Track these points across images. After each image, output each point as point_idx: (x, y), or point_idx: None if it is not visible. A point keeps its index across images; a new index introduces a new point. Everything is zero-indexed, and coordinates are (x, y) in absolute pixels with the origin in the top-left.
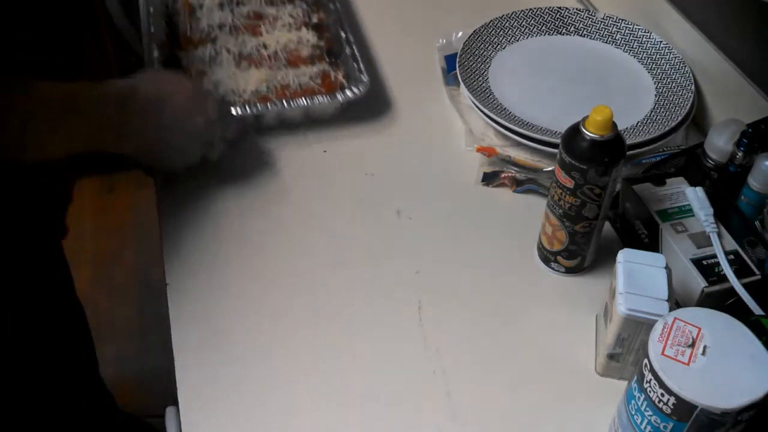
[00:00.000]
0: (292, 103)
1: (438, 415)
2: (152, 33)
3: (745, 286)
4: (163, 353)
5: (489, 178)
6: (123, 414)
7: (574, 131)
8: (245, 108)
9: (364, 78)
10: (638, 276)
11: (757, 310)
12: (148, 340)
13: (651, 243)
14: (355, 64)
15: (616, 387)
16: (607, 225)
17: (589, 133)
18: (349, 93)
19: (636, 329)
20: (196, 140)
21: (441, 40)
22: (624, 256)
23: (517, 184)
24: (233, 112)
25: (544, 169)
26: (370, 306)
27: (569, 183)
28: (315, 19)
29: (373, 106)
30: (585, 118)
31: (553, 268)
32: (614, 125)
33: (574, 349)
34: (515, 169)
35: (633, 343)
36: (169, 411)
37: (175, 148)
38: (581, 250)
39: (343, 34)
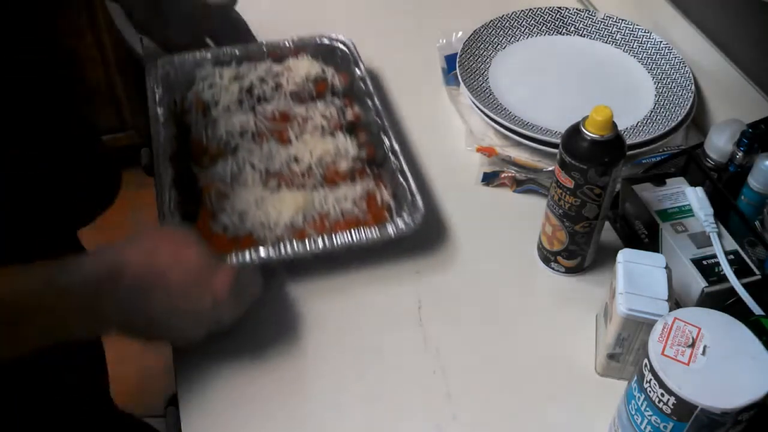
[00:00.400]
0: (335, 239)
1: (438, 415)
2: (161, 143)
3: (745, 286)
4: (163, 353)
5: (489, 178)
6: (122, 414)
7: (574, 131)
8: (278, 248)
9: (419, 201)
10: (638, 276)
11: (757, 310)
12: None
13: (651, 243)
14: (402, 180)
15: (616, 387)
16: (607, 225)
17: (589, 133)
18: (401, 224)
19: (636, 329)
20: (200, 322)
21: (441, 40)
22: (624, 256)
23: (517, 184)
24: (262, 253)
25: (544, 169)
26: (369, 305)
27: (569, 183)
28: (350, 116)
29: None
30: (585, 118)
31: (553, 268)
32: (614, 125)
33: (574, 349)
34: (515, 169)
35: (633, 343)
36: (169, 411)
37: (171, 332)
38: (581, 250)
39: (386, 141)
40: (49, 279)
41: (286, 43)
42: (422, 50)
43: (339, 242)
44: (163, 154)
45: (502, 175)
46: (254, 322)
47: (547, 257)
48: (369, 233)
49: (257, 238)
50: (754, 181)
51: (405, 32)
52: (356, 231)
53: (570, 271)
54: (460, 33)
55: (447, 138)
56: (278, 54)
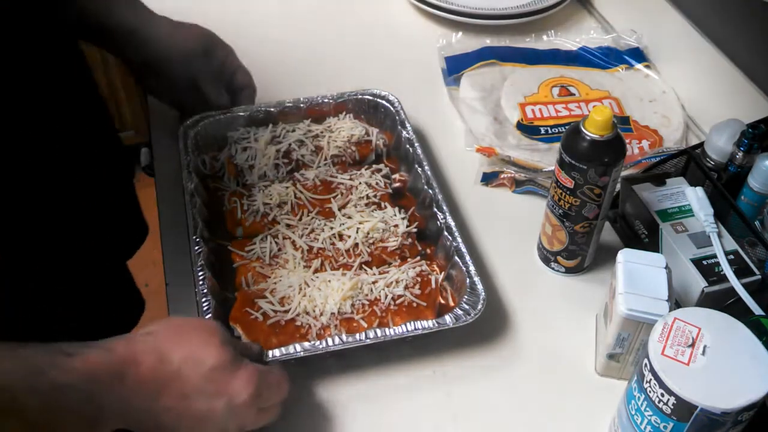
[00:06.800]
0: (388, 332)
1: (438, 415)
2: (192, 214)
3: (745, 286)
4: None
5: (489, 178)
6: None
7: (574, 131)
8: (325, 341)
9: (479, 287)
10: (638, 276)
11: (757, 310)
12: None
13: (651, 243)
14: (458, 259)
15: (616, 387)
16: (607, 225)
17: (589, 133)
18: (461, 312)
19: (636, 329)
20: (215, 428)
21: (441, 40)
22: (624, 256)
23: (517, 185)
24: (309, 344)
25: (544, 169)
26: None
27: (569, 183)
28: (396, 182)
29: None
30: (585, 118)
31: (553, 268)
32: (614, 125)
33: (574, 349)
34: (515, 169)
35: (633, 343)
36: None
37: None
38: (581, 250)
39: (440, 215)
40: (37, 373)
41: (326, 100)
42: (422, 50)
43: (393, 333)
44: (194, 227)
45: (502, 176)
46: None
47: (547, 257)
48: (426, 324)
49: (301, 326)
50: (754, 181)
51: (406, 33)
52: (412, 323)
53: (570, 271)
54: (460, 34)
55: (447, 138)
56: (317, 112)
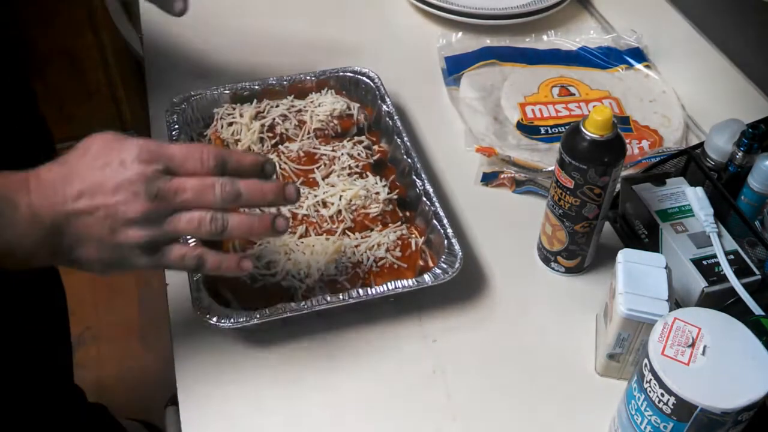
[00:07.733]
0: (371, 291)
1: (438, 415)
2: None
3: (745, 286)
4: (163, 353)
5: (489, 178)
6: (92, 406)
7: (574, 131)
8: (310, 301)
9: (456, 247)
10: (638, 276)
11: (757, 310)
12: (148, 340)
13: (651, 243)
14: (436, 222)
15: (616, 387)
16: (607, 225)
17: (589, 133)
18: (439, 271)
19: (636, 329)
20: (98, 224)
21: (441, 40)
22: (624, 256)
23: (517, 185)
24: (295, 305)
25: (544, 169)
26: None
27: (569, 183)
28: (376, 151)
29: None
30: (585, 118)
31: (553, 268)
32: (614, 125)
33: (574, 349)
34: (515, 169)
35: (633, 343)
36: (169, 411)
37: (79, 248)
38: (581, 250)
39: (418, 182)
40: None
41: (308, 77)
42: (422, 50)
43: (375, 293)
44: None
45: (502, 176)
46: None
47: (547, 257)
48: (406, 283)
49: (287, 289)
50: (754, 181)
51: (406, 32)
52: (393, 282)
53: (570, 271)
54: (460, 34)
55: (447, 138)
56: (299, 89)
